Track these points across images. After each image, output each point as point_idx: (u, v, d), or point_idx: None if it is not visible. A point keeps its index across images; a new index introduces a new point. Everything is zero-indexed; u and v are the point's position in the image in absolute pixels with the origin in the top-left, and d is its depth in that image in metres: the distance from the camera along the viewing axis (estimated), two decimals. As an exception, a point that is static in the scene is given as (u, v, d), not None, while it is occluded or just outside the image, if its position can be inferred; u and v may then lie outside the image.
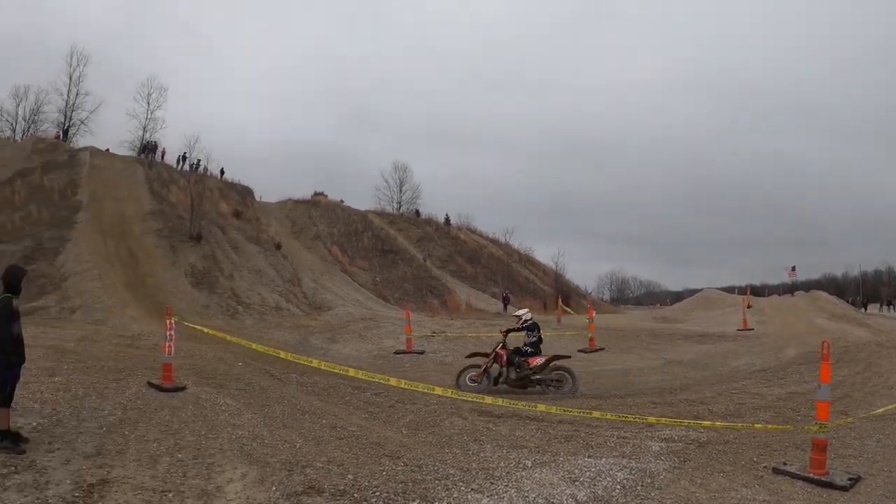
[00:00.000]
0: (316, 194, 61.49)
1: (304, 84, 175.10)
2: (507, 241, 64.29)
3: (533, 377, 13.32)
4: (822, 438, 7.08)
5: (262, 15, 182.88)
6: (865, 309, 58.30)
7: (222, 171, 50.53)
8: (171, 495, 5.92)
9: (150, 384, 10.61)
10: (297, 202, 57.93)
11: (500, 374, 13.49)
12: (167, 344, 10.86)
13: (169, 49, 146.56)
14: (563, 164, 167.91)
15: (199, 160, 47.72)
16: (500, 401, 9.46)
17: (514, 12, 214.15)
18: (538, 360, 13.41)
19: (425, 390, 9.54)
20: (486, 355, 13.77)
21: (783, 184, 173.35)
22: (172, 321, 11.14)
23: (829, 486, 6.78)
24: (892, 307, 65.44)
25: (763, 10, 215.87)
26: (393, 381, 9.86)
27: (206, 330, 13.18)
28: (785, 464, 7.48)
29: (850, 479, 6.92)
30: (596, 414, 9.47)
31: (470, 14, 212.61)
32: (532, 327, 13.85)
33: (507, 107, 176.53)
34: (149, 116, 58.33)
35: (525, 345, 13.70)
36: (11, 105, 58.50)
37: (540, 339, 13.78)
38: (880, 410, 9.83)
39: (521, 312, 14.47)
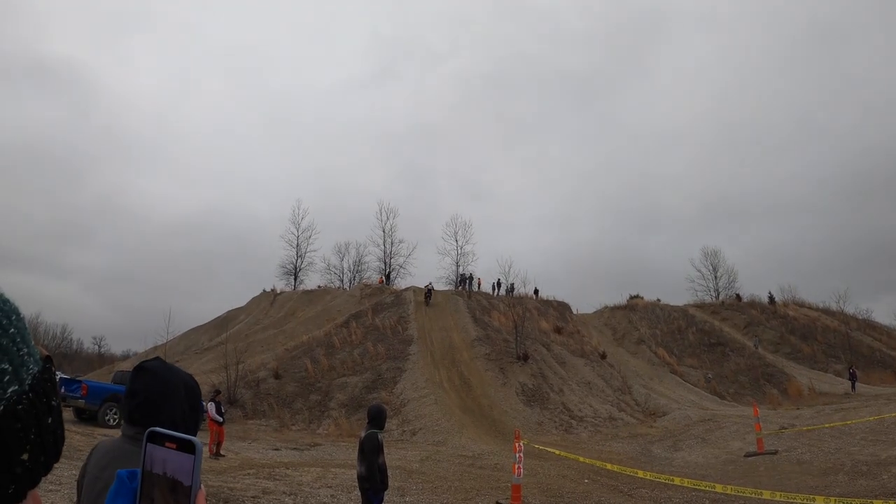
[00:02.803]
0: (632, 298, 60.56)
1: (571, 198, 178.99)
2: (842, 307, 57.28)
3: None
4: None
5: (516, 153, 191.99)
6: None
7: (536, 291, 51.97)
8: None
9: (499, 505, 10.46)
10: (614, 309, 57.66)
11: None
12: (516, 466, 10.79)
13: (457, 193, 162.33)
14: (875, 205, 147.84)
15: (512, 284, 49.63)
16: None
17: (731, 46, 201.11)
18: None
19: (803, 502, 8.22)
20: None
21: None
22: (521, 444, 11.12)
23: None
24: None
25: None
26: (766, 494, 8.65)
27: (558, 452, 12.98)
28: None
29: None
30: None
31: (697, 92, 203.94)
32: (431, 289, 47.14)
33: (786, 163, 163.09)
34: (459, 252, 63.80)
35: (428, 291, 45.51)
36: (336, 260, 72.09)
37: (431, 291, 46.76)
38: None
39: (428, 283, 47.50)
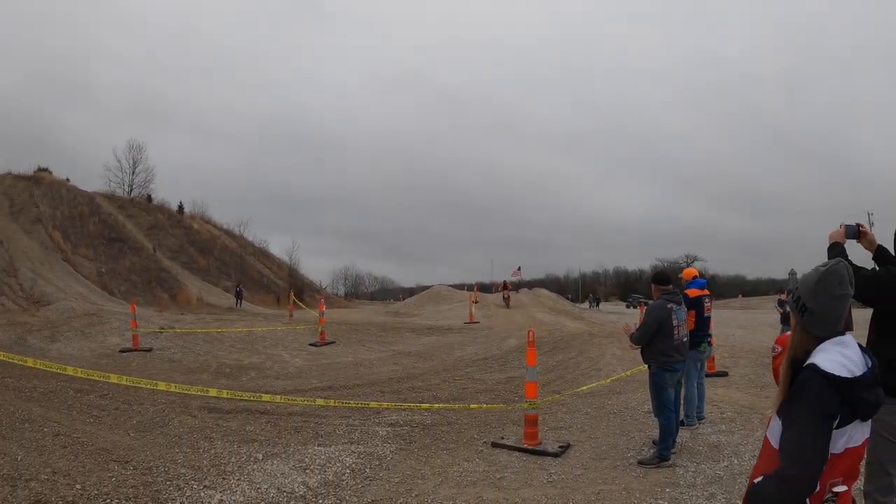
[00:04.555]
0: (40, 170, 54.02)
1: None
2: (242, 233, 62.52)
3: None
4: (532, 414, 8.03)
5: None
6: (598, 305, 65.98)
7: (-61, 133, 43.42)
8: None
9: None
10: (18, 177, 50.87)
11: None
12: None
13: None
14: (292, 159, 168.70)
15: None
16: (224, 392, 9.40)
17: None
18: None
19: (149, 386, 9.25)
20: None
21: (509, 190, 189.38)
22: None
23: (542, 453, 7.71)
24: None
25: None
26: (114, 378, 9.39)
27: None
28: (502, 438, 8.38)
29: (560, 447, 7.92)
30: (320, 402, 9.76)
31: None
32: None
33: (227, 96, 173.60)
34: None
35: None
36: None
37: None
38: (586, 388, 11.22)
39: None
